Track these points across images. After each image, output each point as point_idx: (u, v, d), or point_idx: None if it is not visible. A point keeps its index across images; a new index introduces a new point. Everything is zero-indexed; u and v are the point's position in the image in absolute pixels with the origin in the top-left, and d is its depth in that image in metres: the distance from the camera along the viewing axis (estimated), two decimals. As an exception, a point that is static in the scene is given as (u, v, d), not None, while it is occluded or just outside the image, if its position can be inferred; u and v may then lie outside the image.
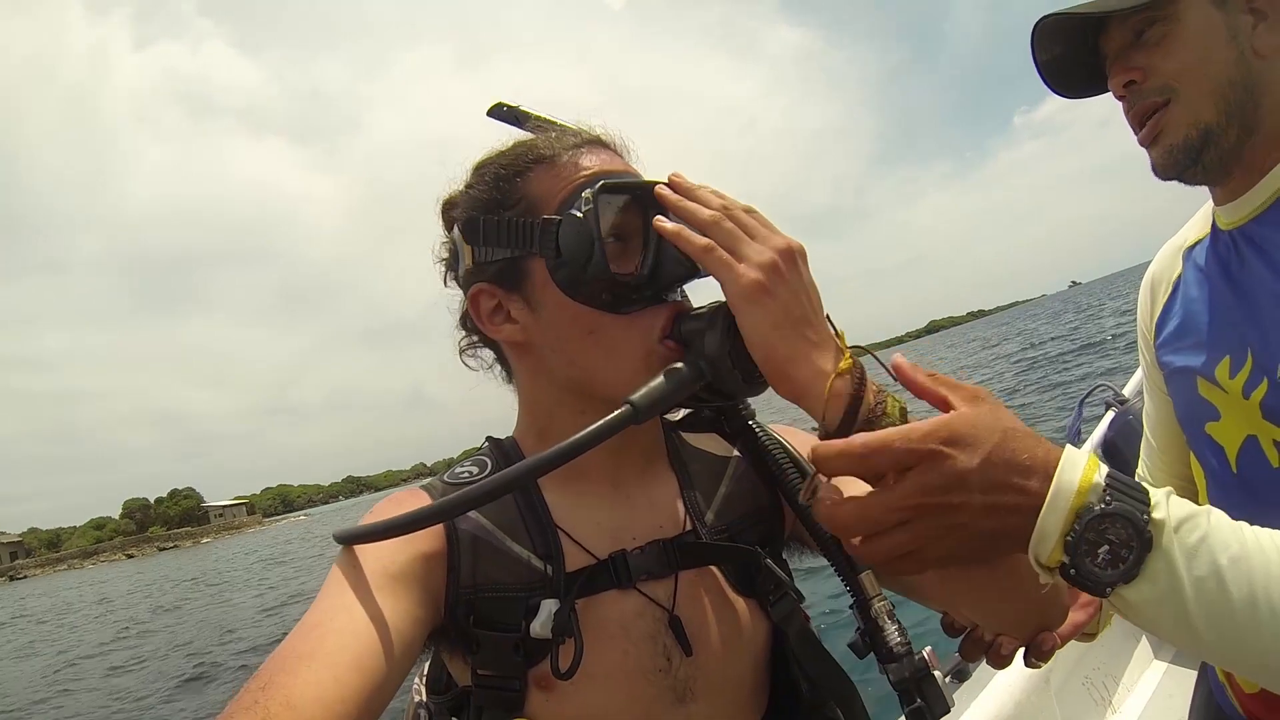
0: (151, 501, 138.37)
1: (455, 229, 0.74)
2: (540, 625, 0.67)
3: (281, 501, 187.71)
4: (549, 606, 0.67)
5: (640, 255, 0.68)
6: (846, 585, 0.75)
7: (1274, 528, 0.55)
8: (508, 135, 0.80)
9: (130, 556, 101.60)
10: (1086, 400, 2.34)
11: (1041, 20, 0.88)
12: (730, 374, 0.64)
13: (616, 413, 0.59)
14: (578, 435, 0.57)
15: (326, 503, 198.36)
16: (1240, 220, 0.88)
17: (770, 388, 0.64)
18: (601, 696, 0.69)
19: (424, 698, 0.78)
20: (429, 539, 0.68)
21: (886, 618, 0.73)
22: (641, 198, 0.69)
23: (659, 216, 0.66)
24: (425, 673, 0.82)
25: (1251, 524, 0.54)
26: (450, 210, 0.78)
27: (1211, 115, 0.82)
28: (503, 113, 0.83)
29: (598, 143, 0.74)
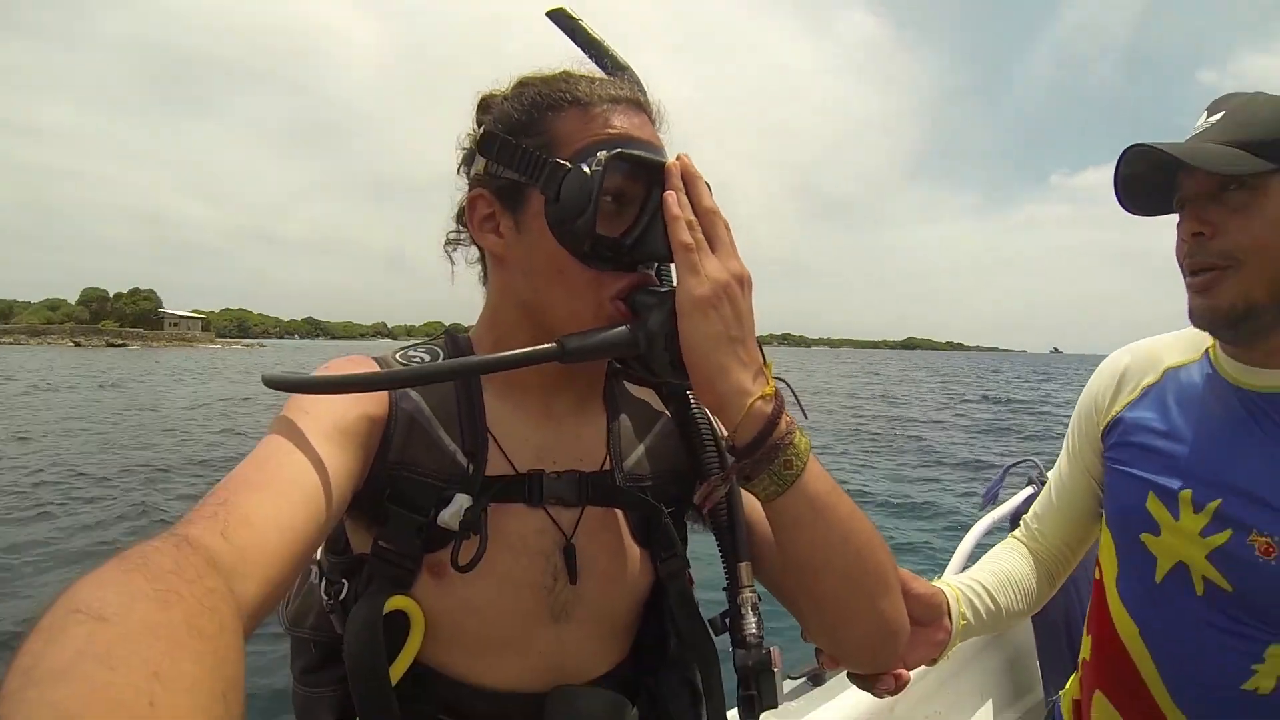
0: (110, 295, 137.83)
1: (481, 132, 0.76)
2: (449, 516, 0.70)
3: (238, 326, 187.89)
4: (461, 501, 0.70)
5: (631, 222, 0.72)
6: (725, 569, 0.81)
7: (1180, 638, 0.87)
8: (561, 40, 0.85)
9: (78, 344, 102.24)
10: (1012, 469, 2.39)
11: (1134, 147, 0.87)
12: (661, 354, 0.69)
13: (547, 346, 0.66)
14: (506, 353, 0.65)
15: (282, 338, 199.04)
16: (1266, 389, 0.89)
17: (690, 386, 0.71)
18: (486, 595, 0.72)
19: (319, 555, 0.80)
20: (375, 405, 0.72)
21: (750, 608, 0.78)
22: (649, 172, 0.72)
23: (669, 193, 0.70)
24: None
25: (1160, 630, 0.87)
26: (484, 111, 0.81)
27: (1263, 295, 0.83)
28: (561, 19, 0.86)
29: (635, 104, 0.76)
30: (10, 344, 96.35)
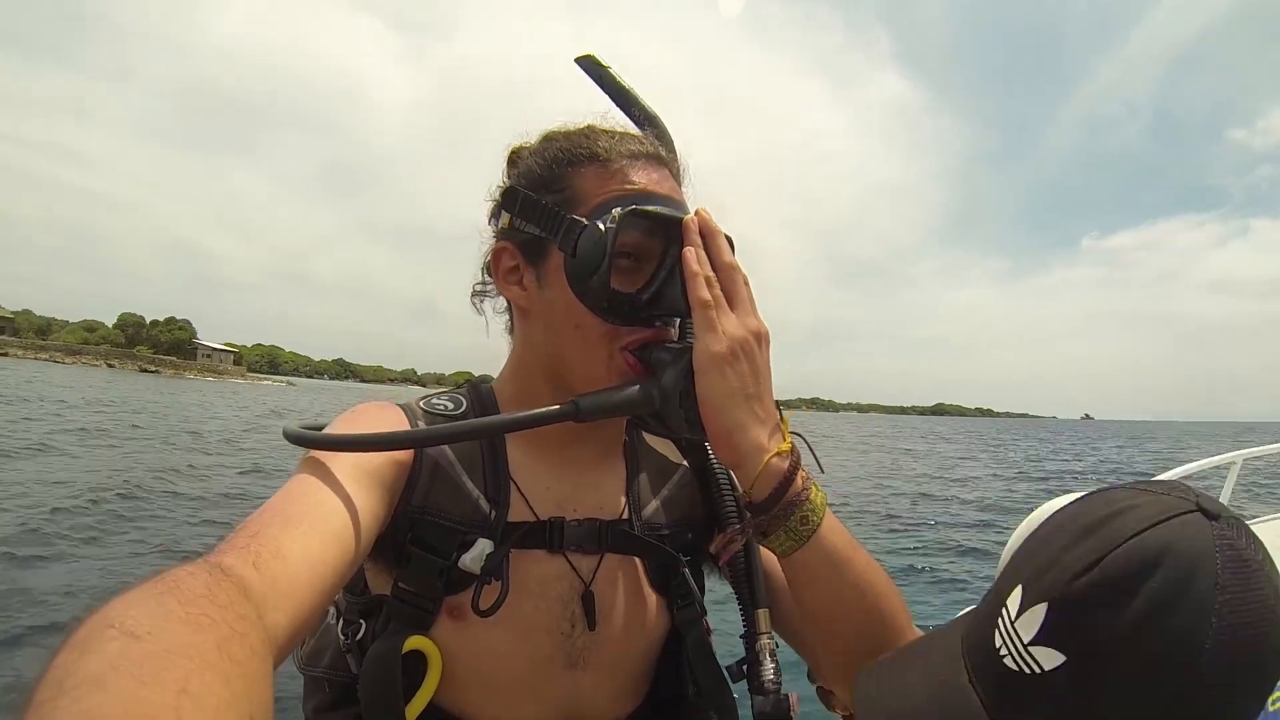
0: (146, 322, 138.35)
1: (506, 186, 0.78)
2: (471, 559, 0.72)
3: (269, 362, 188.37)
4: (483, 545, 0.72)
5: (649, 277, 0.74)
6: (743, 615, 0.82)
7: None
8: (588, 88, 0.84)
9: (111, 366, 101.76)
10: None
11: None
12: (675, 411, 0.69)
13: (561, 407, 0.67)
14: (522, 414, 0.67)
15: (312, 377, 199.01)
16: None
17: (707, 439, 0.71)
18: (504, 639, 0.74)
19: (338, 595, 0.79)
20: (400, 451, 0.73)
21: (767, 654, 0.79)
22: (666, 228, 0.73)
23: (688, 250, 0.71)
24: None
25: None
26: (512, 165, 0.82)
27: None
28: (589, 66, 0.84)
29: (655, 159, 0.77)
30: (46, 360, 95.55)
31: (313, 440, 0.67)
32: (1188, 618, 0.46)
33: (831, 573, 0.68)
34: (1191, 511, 0.49)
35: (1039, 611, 0.50)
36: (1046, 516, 0.58)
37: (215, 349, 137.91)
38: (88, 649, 0.36)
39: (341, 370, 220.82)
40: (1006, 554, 1.96)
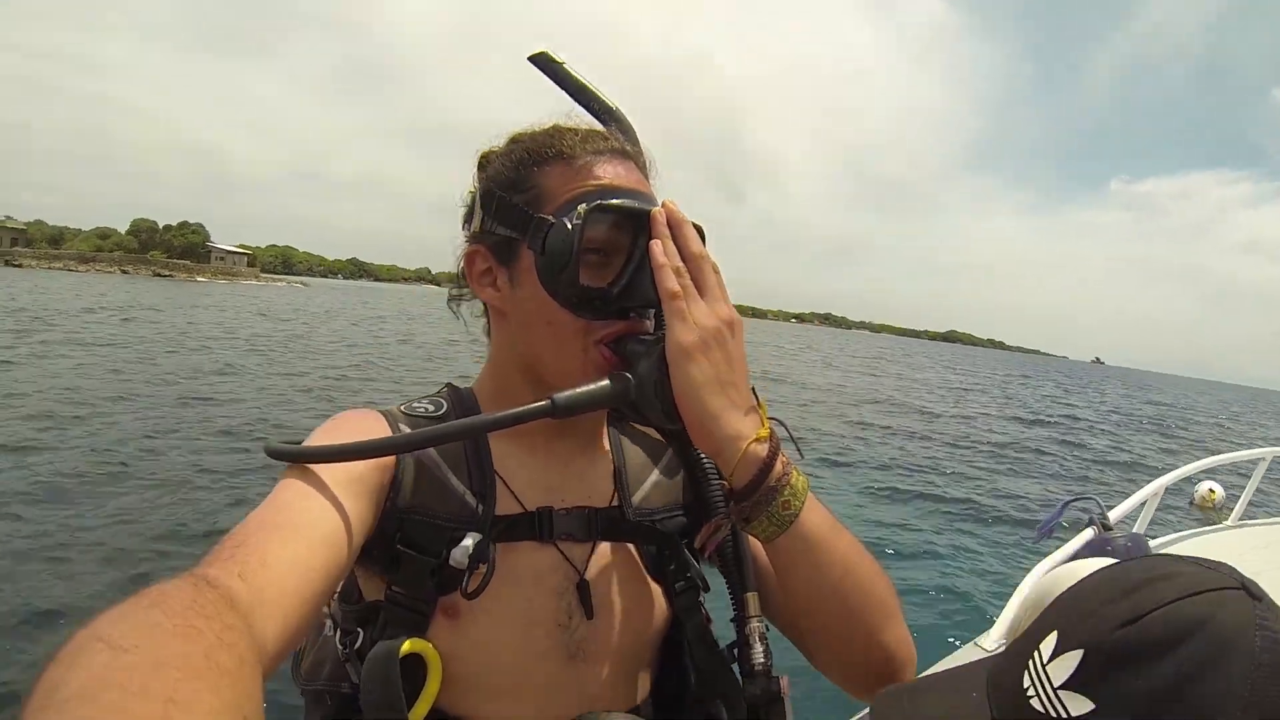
0: (160, 227, 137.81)
1: (477, 192, 0.79)
2: (460, 553, 0.70)
3: (283, 262, 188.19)
4: (472, 538, 0.71)
5: (619, 271, 0.73)
6: (732, 600, 0.81)
7: None
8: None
9: (125, 272, 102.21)
10: (1072, 504, 2.43)
11: None
12: (652, 402, 0.69)
13: (539, 404, 0.67)
14: (502, 414, 0.66)
15: (326, 276, 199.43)
16: None
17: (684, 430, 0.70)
18: (500, 635, 0.73)
19: (332, 609, 0.80)
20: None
21: (757, 637, 0.79)
22: (633, 220, 0.73)
23: (654, 242, 0.71)
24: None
25: None
26: (482, 169, 0.81)
27: None
28: (543, 63, 0.84)
29: (620, 153, 0.77)
30: (60, 269, 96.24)
31: (297, 455, 0.66)
32: (1218, 687, 0.46)
33: (814, 556, 0.68)
34: (1235, 589, 0.50)
35: (1073, 658, 0.50)
36: (1087, 573, 0.59)
37: (229, 251, 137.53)
38: (76, 663, 0.36)
39: (355, 270, 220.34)
40: (1022, 607, 1.92)
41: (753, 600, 0.80)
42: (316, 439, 0.71)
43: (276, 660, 0.52)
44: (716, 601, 0.84)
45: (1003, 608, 2.19)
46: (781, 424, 0.71)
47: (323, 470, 0.66)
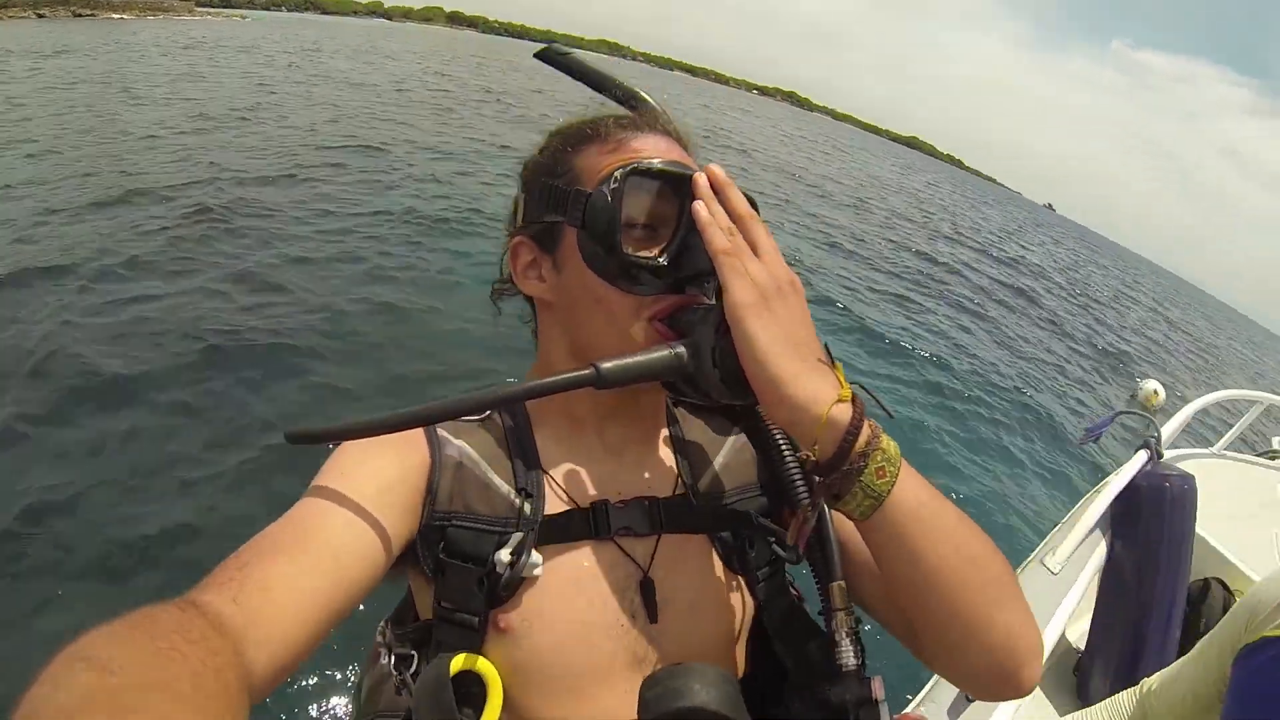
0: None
1: (520, 188, 0.77)
2: (506, 554, 0.66)
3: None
4: (518, 539, 0.67)
5: (667, 240, 0.69)
6: (820, 590, 0.71)
7: None
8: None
9: (41, 16, 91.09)
10: (1122, 415, 2.37)
11: None
12: (710, 371, 0.63)
13: (582, 372, 0.61)
14: (539, 381, 0.61)
15: (267, 9, 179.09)
16: None
17: (753, 402, 0.63)
18: (557, 642, 0.68)
19: (386, 636, 0.77)
20: (417, 456, 0.69)
21: (844, 633, 0.68)
22: (677, 186, 0.69)
23: (697, 203, 0.66)
24: (390, 616, 0.82)
25: None
26: (524, 172, 0.79)
27: None
28: (551, 59, 0.86)
29: (657, 129, 0.74)
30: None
31: (317, 436, 0.61)
32: None
33: (920, 530, 0.59)
34: None
35: None
36: None
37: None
38: (59, 685, 0.36)
39: (301, 2, 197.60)
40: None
41: (839, 591, 0.69)
42: (335, 459, 0.67)
43: (268, 686, 0.51)
44: (804, 584, 0.75)
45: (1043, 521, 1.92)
46: (863, 387, 0.62)
47: (347, 482, 0.63)
